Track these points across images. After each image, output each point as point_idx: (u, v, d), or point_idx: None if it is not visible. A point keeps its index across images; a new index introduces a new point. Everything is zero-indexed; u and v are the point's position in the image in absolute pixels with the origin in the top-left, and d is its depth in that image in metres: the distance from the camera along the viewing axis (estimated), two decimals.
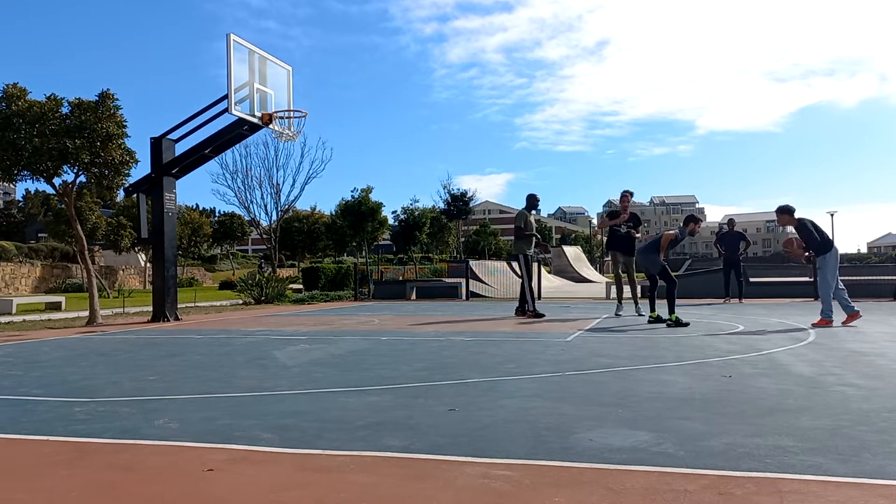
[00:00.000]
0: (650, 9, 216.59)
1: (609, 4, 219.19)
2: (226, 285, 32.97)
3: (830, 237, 8.81)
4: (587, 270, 34.74)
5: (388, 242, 72.82)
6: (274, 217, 32.98)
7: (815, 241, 8.61)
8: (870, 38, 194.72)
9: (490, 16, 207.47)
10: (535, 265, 17.37)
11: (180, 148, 12.17)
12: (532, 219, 11.25)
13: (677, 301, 9.13)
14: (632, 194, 11.20)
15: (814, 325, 8.45)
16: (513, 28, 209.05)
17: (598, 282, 29.17)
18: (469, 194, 65.84)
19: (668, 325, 8.72)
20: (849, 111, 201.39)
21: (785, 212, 8.78)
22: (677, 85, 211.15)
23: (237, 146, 25.62)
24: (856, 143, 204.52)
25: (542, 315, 10.78)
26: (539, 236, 11.47)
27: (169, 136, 11.99)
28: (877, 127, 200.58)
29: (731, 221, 15.63)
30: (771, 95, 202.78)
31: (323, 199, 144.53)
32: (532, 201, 11.26)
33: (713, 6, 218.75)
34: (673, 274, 9.67)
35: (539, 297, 17.31)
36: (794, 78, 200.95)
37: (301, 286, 23.54)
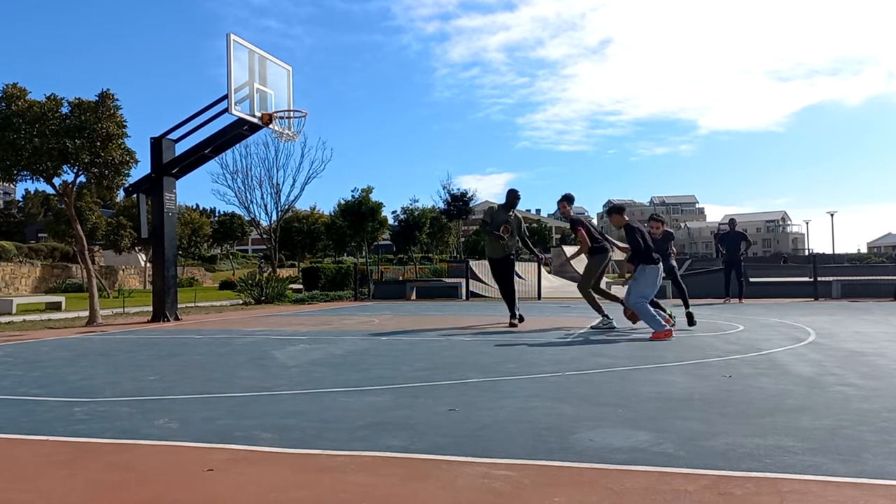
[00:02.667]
0: (653, 8, 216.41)
1: (612, 3, 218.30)
2: (226, 285, 33.00)
3: (656, 255, 7.94)
4: None
5: (388, 242, 72.79)
6: (274, 217, 33.05)
7: (639, 248, 7.86)
8: (875, 36, 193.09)
9: (492, 14, 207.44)
10: (535, 265, 17.44)
11: (180, 148, 12.19)
12: (519, 216, 9.75)
13: (674, 301, 9.22)
14: (570, 201, 9.44)
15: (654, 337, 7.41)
16: (515, 27, 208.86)
17: None
18: (469, 194, 65.87)
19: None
20: (853, 109, 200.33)
21: (615, 211, 8.24)
22: (680, 84, 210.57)
23: (237, 146, 25.70)
24: (857, 143, 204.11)
25: (515, 325, 9.31)
26: (519, 237, 9.70)
27: (169, 136, 12.00)
28: (880, 125, 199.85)
29: (731, 221, 15.65)
30: (774, 95, 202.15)
31: (323, 199, 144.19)
32: (510, 197, 9.56)
33: (716, 5, 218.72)
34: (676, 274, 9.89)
35: (539, 297, 17.33)
36: (797, 77, 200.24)
37: (301, 286, 23.55)
